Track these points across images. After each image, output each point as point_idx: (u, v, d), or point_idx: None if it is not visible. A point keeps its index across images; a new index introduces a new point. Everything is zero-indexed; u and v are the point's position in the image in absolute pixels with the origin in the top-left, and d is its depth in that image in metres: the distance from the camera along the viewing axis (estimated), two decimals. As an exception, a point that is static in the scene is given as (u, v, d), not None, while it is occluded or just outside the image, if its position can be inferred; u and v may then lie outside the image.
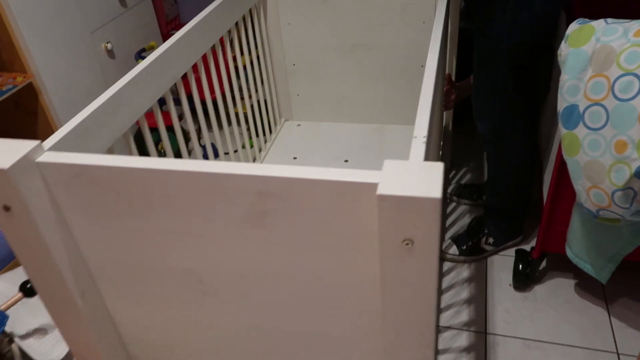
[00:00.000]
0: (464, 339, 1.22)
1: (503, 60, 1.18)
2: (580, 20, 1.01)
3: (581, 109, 1.00)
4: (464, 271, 1.42)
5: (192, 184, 0.62)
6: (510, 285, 1.36)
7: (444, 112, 1.67)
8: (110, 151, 0.89)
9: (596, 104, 0.96)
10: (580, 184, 1.03)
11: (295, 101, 1.83)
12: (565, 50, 1.03)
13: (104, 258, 0.74)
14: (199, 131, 1.96)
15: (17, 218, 0.65)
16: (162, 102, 1.91)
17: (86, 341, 0.80)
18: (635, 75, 0.90)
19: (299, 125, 1.85)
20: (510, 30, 1.14)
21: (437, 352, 1.20)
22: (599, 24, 0.98)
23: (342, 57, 1.68)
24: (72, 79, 1.61)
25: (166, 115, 1.81)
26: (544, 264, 1.41)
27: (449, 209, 1.65)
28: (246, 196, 0.62)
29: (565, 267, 1.39)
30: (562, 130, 1.05)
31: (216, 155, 1.84)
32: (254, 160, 1.60)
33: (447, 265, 1.44)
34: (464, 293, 1.35)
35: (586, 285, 1.33)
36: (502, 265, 1.43)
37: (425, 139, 0.67)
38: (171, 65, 1.06)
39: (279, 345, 0.78)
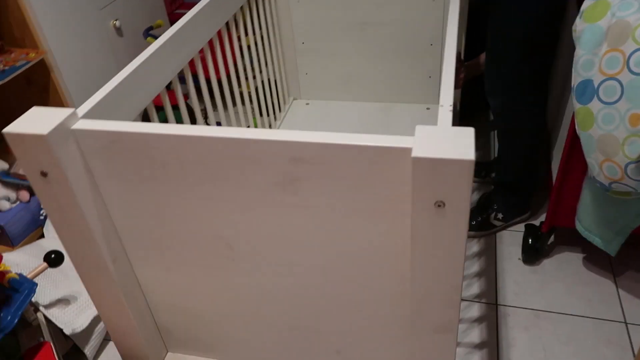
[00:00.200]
0: (475, 310, 1.26)
1: (516, 35, 1.20)
2: (596, -6, 1.02)
3: (595, 83, 1.01)
4: (474, 246, 1.44)
5: (225, 151, 0.64)
6: (519, 259, 1.39)
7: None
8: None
9: (611, 78, 0.98)
10: (593, 158, 1.05)
11: (303, 80, 1.83)
12: (580, 25, 1.04)
13: (135, 225, 0.76)
14: (204, 111, 1.97)
15: (54, 184, 0.67)
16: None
17: (116, 307, 0.82)
18: (652, 48, 0.91)
19: (307, 103, 1.85)
20: (524, 5, 1.15)
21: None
22: (614, -2, 0.98)
23: (351, 36, 1.68)
24: (83, 56, 1.61)
25: (171, 95, 1.82)
26: (552, 238, 1.44)
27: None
28: (279, 162, 0.63)
29: (572, 242, 1.41)
30: (575, 105, 1.06)
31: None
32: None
33: (456, 240, 1.46)
34: (475, 267, 1.38)
35: (594, 259, 1.36)
36: (511, 240, 1.45)
37: (451, 108, 0.68)
38: (191, 39, 1.07)
39: (305, 311, 0.80)
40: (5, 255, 1.15)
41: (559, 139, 1.40)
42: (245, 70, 1.46)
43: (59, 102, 1.52)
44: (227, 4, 1.25)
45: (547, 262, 1.37)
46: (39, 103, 1.53)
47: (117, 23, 1.79)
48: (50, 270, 1.10)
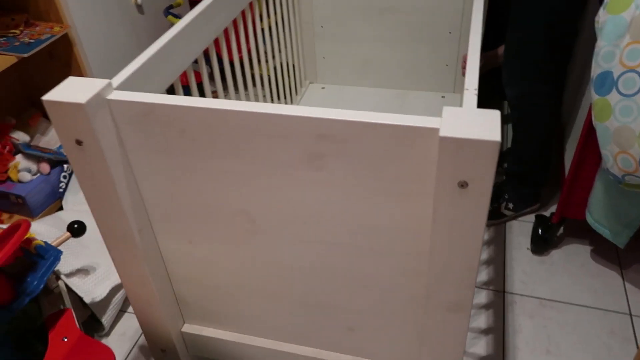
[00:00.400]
0: (483, 297, 1.28)
1: (538, 25, 1.20)
2: (620, -13, 1.02)
3: (615, 75, 1.02)
4: (484, 234, 1.46)
5: (253, 125, 0.65)
6: (528, 249, 1.41)
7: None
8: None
9: (631, 70, 0.99)
10: (608, 150, 1.06)
11: (320, 64, 1.85)
12: (603, 16, 1.04)
13: (162, 196, 0.78)
14: (215, 93, 1.98)
15: (88, 152, 0.69)
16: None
17: (140, 277, 0.85)
18: (674, 42, 0.92)
19: (323, 88, 1.87)
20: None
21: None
22: (639, -10, 0.99)
23: (370, 21, 1.69)
24: (105, 32, 1.63)
25: (195, 74, 1.83)
26: (561, 230, 1.45)
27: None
28: (305, 138, 0.65)
29: (581, 234, 1.43)
30: (594, 96, 1.07)
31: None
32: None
33: (467, 228, 1.48)
34: (484, 254, 1.40)
35: (601, 252, 1.38)
36: (520, 230, 1.47)
37: (476, 91, 0.70)
38: (216, 18, 1.08)
39: (321, 286, 0.83)
40: (27, 224, 1.18)
41: (574, 132, 1.41)
42: (265, 52, 1.47)
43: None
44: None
45: (555, 253, 1.39)
46: (61, 77, 1.54)
47: (139, 0, 1.80)
48: (70, 241, 1.13)
